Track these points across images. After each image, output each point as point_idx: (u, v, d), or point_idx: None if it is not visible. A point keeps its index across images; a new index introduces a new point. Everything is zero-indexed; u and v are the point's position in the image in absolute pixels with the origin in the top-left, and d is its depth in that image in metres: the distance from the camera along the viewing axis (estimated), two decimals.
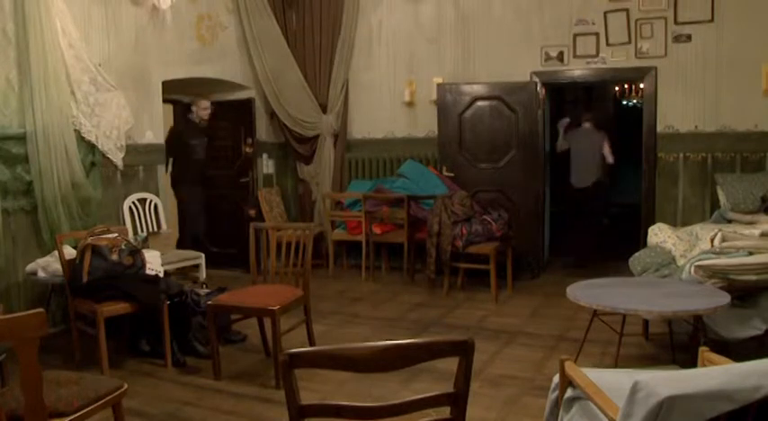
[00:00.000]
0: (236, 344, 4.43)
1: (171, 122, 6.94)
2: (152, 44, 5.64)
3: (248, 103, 6.93)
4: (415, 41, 6.74)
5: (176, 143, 6.17)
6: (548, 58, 6.21)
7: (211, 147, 6.66)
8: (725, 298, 3.38)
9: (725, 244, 3.99)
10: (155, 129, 5.73)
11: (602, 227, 8.38)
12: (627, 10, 5.87)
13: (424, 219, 5.91)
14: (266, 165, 7.21)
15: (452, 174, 6.39)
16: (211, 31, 6.39)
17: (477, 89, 6.31)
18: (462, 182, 6.29)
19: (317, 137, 6.99)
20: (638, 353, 4.08)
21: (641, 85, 6.38)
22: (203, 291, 4.59)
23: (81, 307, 3.91)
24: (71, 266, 3.95)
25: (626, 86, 9.36)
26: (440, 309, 5.28)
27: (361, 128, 7.03)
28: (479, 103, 6.31)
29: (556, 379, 2.39)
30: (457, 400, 1.65)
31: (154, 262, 4.46)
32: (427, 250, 5.69)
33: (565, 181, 7.04)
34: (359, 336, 4.56)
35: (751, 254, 3.81)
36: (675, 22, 5.73)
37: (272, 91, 6.90)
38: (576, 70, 6.16)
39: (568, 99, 10.18)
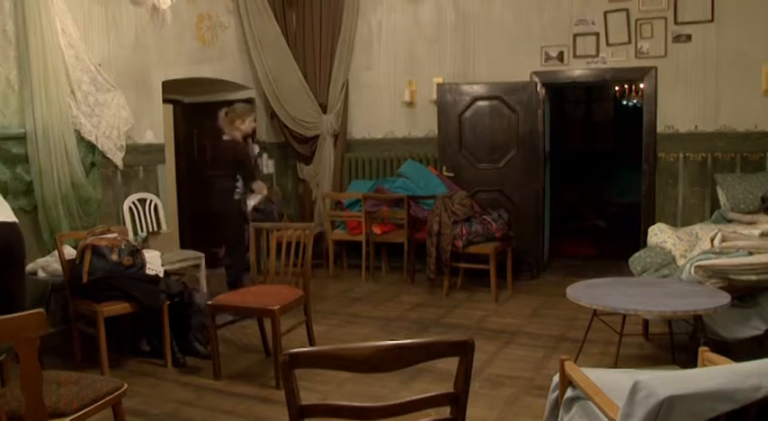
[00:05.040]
0: (229, 343, 4.43)
1: (171, 122, 6.94)
2: (152, 44, 5.63)
3: (248, 103, 6.92)
4: (415, 41, 6.73)
5: None
6: (548, 58, 6.21)
7: (211, 147, 6.64)
8: (725, 298, 3.38)
9: (725, 244, 3.99)
10: (155, 129, 5.73)
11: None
12: (627, 10, 5.87)
13: (424, 219, 5.90)
14: (266, 165, 7.21)
15: (452, 175, 6.39)
16: (211, 31, 6.39)
17: (477, 89, 6.30)
18: (462, 182, 6.28)
19: (316, 137, 6.98)
20: (638, 353, 4.08)
21: (641, 85, 6.38)
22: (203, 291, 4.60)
23: (81, 307, 3.91)
24: (71, 266, 3.94)
25: (626, 86, 9.34)
26: (440, 308, 5.28)
27: (361, 128, 7.03)
28: (479, 103, 6.31)
29: (556, 379, 2.39)
30: (457, 400, 1.65)
31: (154, 262, 4.45)
32: (427, 250, 5.68)
33: None
34: (359, 336, 4.56)
35: (751, 254, 3.80)
36: (675, 22, 5.73)
37: (272, 91, 6.90)
38: (576, 70, 6.16)
39: (568, 99, 10.18)
